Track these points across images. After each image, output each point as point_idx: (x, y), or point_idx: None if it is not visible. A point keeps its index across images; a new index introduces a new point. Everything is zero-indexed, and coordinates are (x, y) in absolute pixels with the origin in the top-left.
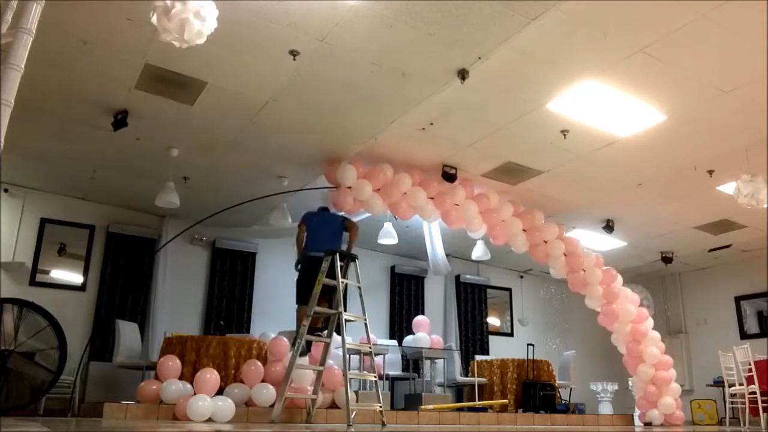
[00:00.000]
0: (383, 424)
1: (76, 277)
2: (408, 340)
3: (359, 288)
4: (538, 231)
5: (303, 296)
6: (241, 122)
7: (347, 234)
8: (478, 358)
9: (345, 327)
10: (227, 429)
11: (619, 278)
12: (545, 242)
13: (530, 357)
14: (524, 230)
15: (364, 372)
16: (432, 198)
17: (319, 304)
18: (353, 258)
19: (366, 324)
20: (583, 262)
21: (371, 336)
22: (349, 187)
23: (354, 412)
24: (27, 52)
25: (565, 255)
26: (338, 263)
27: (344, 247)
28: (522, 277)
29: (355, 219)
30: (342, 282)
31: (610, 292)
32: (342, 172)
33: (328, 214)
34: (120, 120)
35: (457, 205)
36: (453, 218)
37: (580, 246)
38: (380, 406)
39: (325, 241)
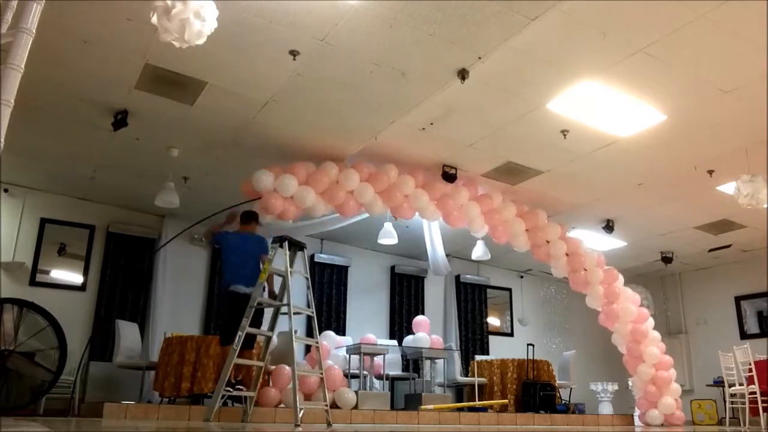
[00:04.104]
0: (329, 424)
1: (76, 277)
2: (408, 340)
3: (307, 279)
4: (541, 231)
5: (228, 336)
6: (241, 122)
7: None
8: (478, 358)
9: (285, 319)
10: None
11: (621, 278)
12: (547, 242)
13: (530, 357)
14: (527, 230)
15: (309, 369)
16: (435, 200)
17: (244, 356)
18: (301, 247)
19: (312, 317)
20: (585, 262)
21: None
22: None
23: (302, 411)
24: (27, 52)
25: (567, 255)
26: (286, 251)
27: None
28: (522, 277)
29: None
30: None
31: (611, 292)
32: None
33: (250, 238)
34: (120, 120)
35: (461, 206)
36: (455, 219)
37: (582, 246)
38: (326, 406)
39: (250, 274)
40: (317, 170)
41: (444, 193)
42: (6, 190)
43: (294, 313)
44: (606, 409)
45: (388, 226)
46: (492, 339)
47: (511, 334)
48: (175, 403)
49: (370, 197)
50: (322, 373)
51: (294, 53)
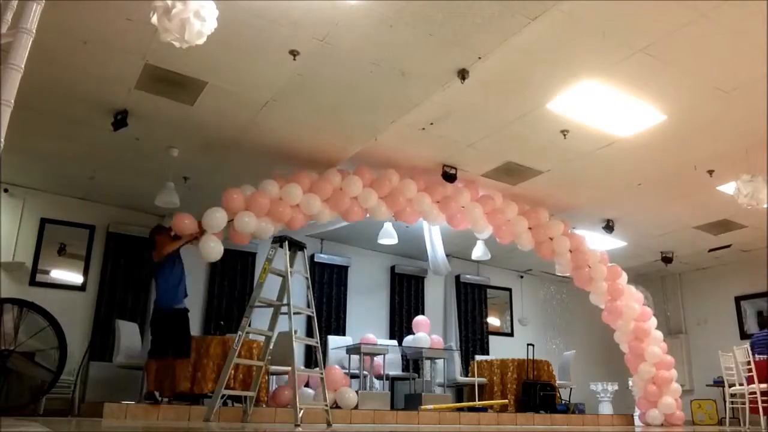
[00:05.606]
0: (328, 424)
1: (76, 277)
2: (408, 340)
3: (307, 279)
4: (544, 228)
5: (157, 350)
6: (241, 122)
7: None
8: (478, 358)
9: (292, 319)
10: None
11: (624, 275)
12: (551, 239)
13: (530, 357)
14: (530, 228)
15: (305, 368)
16: (437, 202)
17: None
18: (301, 247)
19: (312, 317)
20: (589, 259)
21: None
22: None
23: (302, 411)
24: (27, 52)
25: (571, 251)
26: (286, 251)
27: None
28: (522, 277)
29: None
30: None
31: (614, 289)
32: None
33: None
34: (120, 120)
35: (463, 207)
36: (458, 221)
37: (585, 242)
38: (326, 406)
39: (183, 291)
40: (320, 178)
41: (445, 195)
42: (6, 190)
43: (294, 313)
44: (606, 409)
45: (388, 226)
46: (492, 339)
47: (511, 334)
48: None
49: (374, 202)
50: (322, 373)
51: (294, 53)
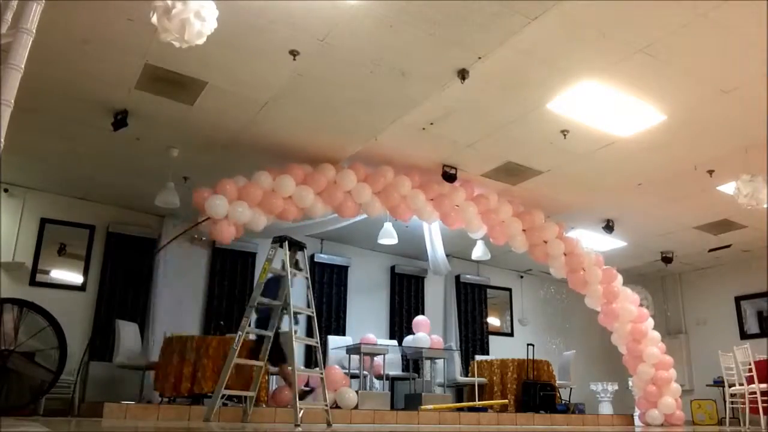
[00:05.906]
0: (329, 424)
1: (76, 277)
2: (408, 340)
3: (307, 279)
4: (538, 231)
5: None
6: (241, 122)
7: None
8: (478, 358)
9: (293, 319)
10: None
11: (619, 277)
12: (545, 242)
13: (530, 357)
14: (524, 230)
15: (305, 368)
16: (431, 200)
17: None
18: (301, 247)
19: (312, 317)
20: (583, 262)
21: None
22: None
23: (302, 411)
24: (27, 52)
25: (565, 254)
26: (286, 251)
27: None
28: (522, 277)
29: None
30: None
31: (610, 292)
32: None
33: None
34: (120, 120)
35: (457, 206)
36: (453, 219)
37: (579, 245)
38: (326, 406)
39: None
40: (314, 171)
41: (440, 193)
42: (6, 190)
43: (294, 313)
44: (606, 409)
45: (388, 226)
46: (492, 339)
47: (511, 334)
48: (175, 403)
49: (368, 197)
50: (322, 373)
51: (294, 53)
